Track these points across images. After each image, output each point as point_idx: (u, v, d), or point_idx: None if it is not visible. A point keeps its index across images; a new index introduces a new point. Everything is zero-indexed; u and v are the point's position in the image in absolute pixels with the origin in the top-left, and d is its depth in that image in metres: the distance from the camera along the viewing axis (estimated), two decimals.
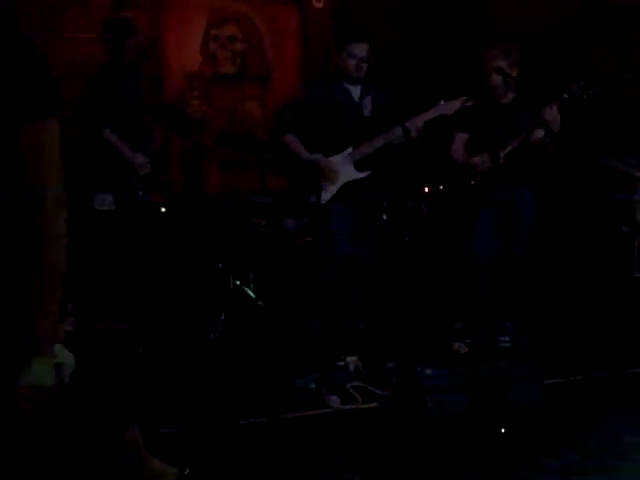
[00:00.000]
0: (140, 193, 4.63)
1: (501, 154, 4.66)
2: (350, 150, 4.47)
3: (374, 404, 3.68)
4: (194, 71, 6.25)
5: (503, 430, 3.22)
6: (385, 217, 5.22)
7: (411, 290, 5.24)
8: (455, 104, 4.41)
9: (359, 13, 6.60)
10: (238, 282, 5.06)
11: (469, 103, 4.44)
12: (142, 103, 4.78)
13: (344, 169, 4.46)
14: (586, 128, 5.52)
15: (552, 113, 4.51)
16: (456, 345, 4.52)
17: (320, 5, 6.69)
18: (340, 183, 4.46)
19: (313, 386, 3.83)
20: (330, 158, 4.46)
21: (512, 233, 4.76)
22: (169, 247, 5.08)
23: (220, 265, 5.09)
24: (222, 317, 4.74)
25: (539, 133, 4.60)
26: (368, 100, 4.54)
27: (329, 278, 4.44)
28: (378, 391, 3.79)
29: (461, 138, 4.86)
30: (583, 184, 5.43)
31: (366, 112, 4.53)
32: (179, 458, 2.90)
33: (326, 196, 4.45)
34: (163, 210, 5.24)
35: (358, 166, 4.48)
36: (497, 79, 4.71)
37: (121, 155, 4.59)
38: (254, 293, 5.07)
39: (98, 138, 4.57)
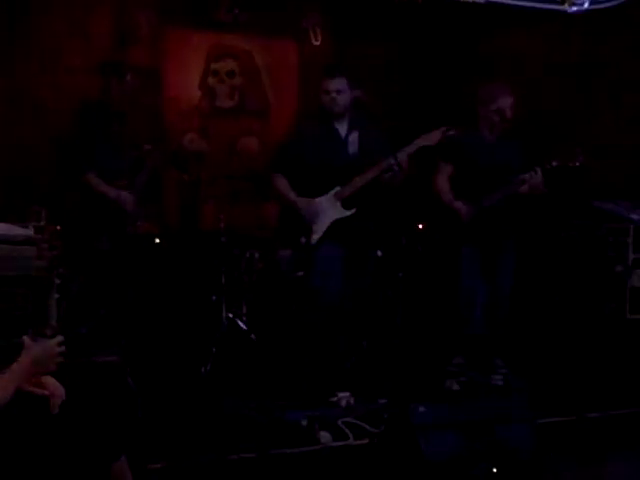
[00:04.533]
0: (129, 230, 4.64)
1: (486, 204, 4.71)
2: (337, 189, 4.50)
3: (365, 441, 3.66)
4: (193, 105, 6.30)
5: (495, 470, 3.20)
6: (380, 253, 5.24)
7: (404, 326, 5.24)
8: (436, 134, 4.45)
9: (355, 50, 6.70)
10: (231, 315, 5.06)
11: (451, 132, 4.48)
12: (126, 144, 4.78)
13: (331, 208, 4.49)
14: (579, 172, 5.59)
15: (536, 177, 4.59)
16: (449, 383, 4.51)
17: (318, 42, 6.77)
18: (328, 222, 4.48)
19: (304, 422, 3.81)
20: (315, 199, 4.49)
21: (495, 274, 4.80)
22: (163, 280, 5.08)
23: (213, 298, 5.09)
24: (214, 350, 4.73)
25: (525, 188, 4.66)
26: (355, 136, 4.56)
27: (321, 316, 4.44)
28: (370, 428, 3.76)
29: (445, 169, 4.89)
30: (576, 225, 5.46)
31: (352, 149, 4.55)
32: None
33: (315, 237, 4.48)
34: (157, 241, 5.25)
35: (345, 204, 4.50)
36: (493, 118, 4.78)
37: (106, 196, 4.61)
38: (247, 326, 5.07)
39: (81, 181, 4.59)
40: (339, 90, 4.48)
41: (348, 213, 4.50)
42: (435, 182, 4.89)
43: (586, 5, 5.34)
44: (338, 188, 4.49)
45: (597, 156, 5.60)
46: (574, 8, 5.34)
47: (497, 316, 4.81)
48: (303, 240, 4.49)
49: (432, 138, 4.43)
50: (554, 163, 4.60)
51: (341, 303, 4.47)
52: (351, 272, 4.53)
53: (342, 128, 4.57)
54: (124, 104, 4.77)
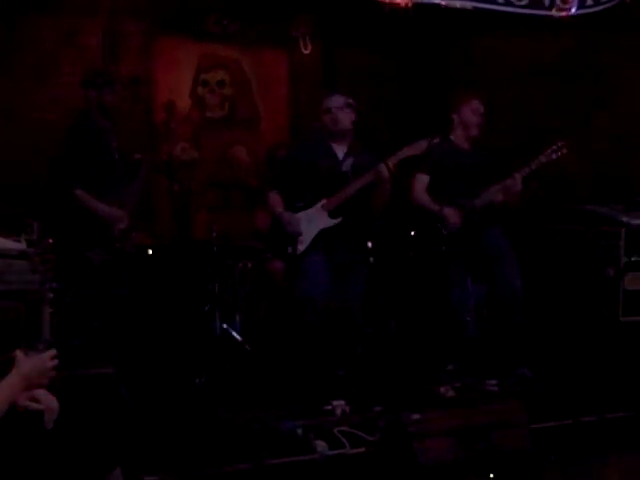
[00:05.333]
0: (120, 245, 4.61)
1: (476, 208, 4.75)
2: (324, 201, 4.54)
3: (361, 449, 3.65)
4: (183, 114, 6.31)
5: (491, 475, 3.20)
6: (372, 260, 5.24)
7: (398, 333, 5.24)
8: (423, 143, 4.47)
9: (345, 59, 6.73)
10: (225, 325, 5.05)
11: (435, 140, 4.52)
12: (115, 158, 4.74)
13: (318, 219, 4.53)
14: (572, 176, 5.63)
15: (515, 183, 4.64)
16: (443, 389, 4.51)
17: (308, 51, 6.79)
18: (315, 232, 4.52)
19: (300, 431, 3.80)
20: (300, 213, 4.54)
21: (494, 273, 4.81)
22: (156, 290, 5.07)
23: (206, 308, 5.08)
24: (208, 361, 4.72)
25: (500, 196, 4.75)
26: (350, 159, 4.61)
27: (311, 325, 4.44)
28: (365, 436, 3.76)
29: (422, 180, 4.93)
30: (568, 228, 5.48)
31: (345, 168, 4.60)
32: None
33: (301, 247, 4.52)
34: (150, 252, 5.23)
35: (332, 214, 4.54)
36: (464, 124, 4.84)
37: (97, 213, 4.57)
38: (240, 336, 5.06)
39: (70, 197, 4.56)
40: (339, 107, 4.51)
41: (335, 222, 4.53)
42: (414, 195, 4.92)
43: (573, 10, 5.37)
44: (324, 200, 4.53)
45: (589, 159, 5.64)
46: (562, 13, 5.37)
47: (495, 322, 4.84)
48: (290, 250, 4.52)
49: (419, 147, 4.45)
50: (532, 166, 4.66)
51: (330, 311, 4.47)
52: (341, 280, 4.53)
53: (340, 150, 4.63)
54: (110, 115, 4.73)
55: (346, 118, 4.54)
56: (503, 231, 4.93)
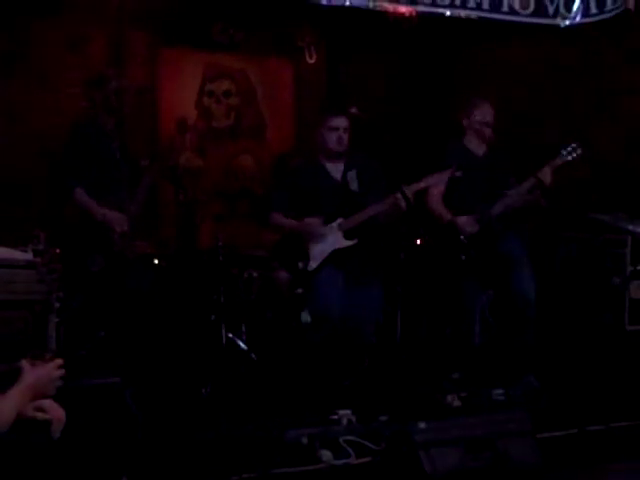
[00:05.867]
0: (117, 250, 4.56)
1: (491, 216, 4.72)
2: (340, 220, 4.54)
3: (367, 459, 3.64)
4: (189, 125, 6.32)
5: None
6: None
7: (404, 342, 5.23)
8: (444, 175, 4.48)
9: (349, 69, 6.75)
10: (230, 334, 5.05)
11: (458, 174, 4.51)
12: (117, 161, 4.68)
13: (333, 237, 4.53)
14: (577, 184, 5.61)
15: (547, 173, 4.60)
16: (449, 398, 4.50)
17: (313, 61, 6.82)
18: (328, 251, 4.52)
19: (305, 440, 3.80)
20: (323, 224, 4.53)
21: (509, 279, 4.78)
22: (162, 300, 5.07)
23: (212, 317, 5.08)
24: (213, 370, 4.71)
25: (522, 198, 4.69)
26: (353, 174, 4.61)
27: (322, 337, 4.44)
28: (371, 445, 3.75)
29: (437, 189, 4.86)
30: (574, 237, 5.48)
31: (352, 187, 4.60)
32: None
33: (313, 264, 4.51)
34: (156, 262, 5.24)
35: (347, 235, 4.54)
36: (477, 129, 4.81)
37: (94, 215, 4.48)
38: (246, 345, 5.06)
39: (69, 197, 4.53)
40: (345, 128, 4.53)
41: (350, 243, 4.53)
42: (429, 205, 4.89)
43: (578, 19, 5.39)
44: (341, 220, 4.53)
45: (594, 168, 5.63)
46: (566, 22, 5.39)
47: (503, 330, 4.83)
48: (301, 265, 4.52)
49: (441, 178, 4.46)
50: (559, 161, 4.61)
51: (342, 325, 4.46)
52: (355, 295, 4.53)
53: (336, 170, 4.62)
54: (115, 115, 4.71)
55: (347, 140, 4.56)
56: (519, 237, 4.88)
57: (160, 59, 6.29)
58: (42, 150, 5.43)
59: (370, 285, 4.63)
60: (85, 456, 2.40)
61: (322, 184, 4.61)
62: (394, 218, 4.54)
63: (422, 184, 4.45)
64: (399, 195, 4.34)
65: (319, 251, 4.53)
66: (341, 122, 4.55)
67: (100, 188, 4.54)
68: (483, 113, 4.87)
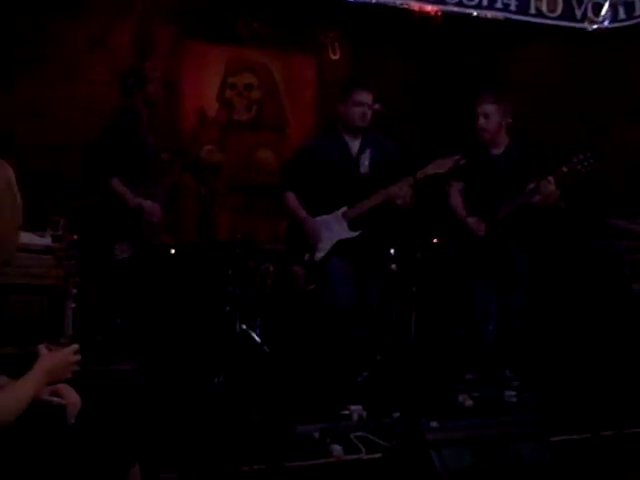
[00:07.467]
0: (150, 240, 4.63)
1: (500, 215, 4.70)
2: (344, 209, 4.47)
3: (377, 455, 3.65)
4: (210, 117, 6.35)
5: None
6: (394, 267, 5.24)
7: (417, 341, 5.23)
8: (448, 162, 4.42)
9: (373, 66, 6.72)
10: (244, 326, 5.07)
11: (462, 162, 4.46)
12: (151, 153, 4.77)
13: (337, 227, 4.47)
14: (594, 189, 5.57)
15: (549, 186, 4.53)
16: (461, 398, 4.49)
17: (336, 57, 6.81)
18: (333, 241, 4.46)
19: (316, 435, 3.80)
20: (319, 218, 4.47)
21: (509, 287, 4.77)
22: (178, 290, 5.10)
23: (227, 309, 5.10)
24: (227, 361, 4.73)
25: (538, 198, 4.61)
26: (366, 155, 4.52)
27: (333, 330, 4.43)
28: (382, 442, 3.75)
29: (457, 186, 4.88)
30: (592, 243, 5.44)
31: (363, 169, 4.51)
32: None
33: (319, 255, 4.47)
34: (173, 252, 5.27)
35: (352, 225, 4.47)
36: (484, 123, 4.76)
37: (130, 204, 4.56)
38: (260, 338, 5.07)
39: (106, 188, 4.58)
40: (370, 104, 4.46)
41: (354, 234, 4.46)
42: (449, 201, 4.89)
43: (606, 23, 5.35)
44: (345, 208, 4.47)
45: (614, 173, 5.59)
46: (594, 26, 5.35)
47: (510, 330, 4.80)
48: (307, 257, 4.49)
49: (444, 166, 4.41)
50: (564, 169, 4.54)
51: (352, 317, 4.45)
52: (362, 285, 4.51)
53: (354, 145, 4.54)
54: (147, 111, 4.78)
55: (369, 116, 4.49)
56: (526, 251, 4.86)
57: (184, 52, 6.31)
58: (66, 144, 5.48)
59: (374, 275, 4.60)
60: (100, 442, 2.41)
61: (336, 158, 4.50)
62: (409, 205, 4.46)
63: (424, 172, 4.38)
64: (412, 179, 4.30)
65: (325, 241, 4.47)
66: (366, 97, 4.46)
67: (135, 179, 4.61)
68: (501, 112, 4.81)
